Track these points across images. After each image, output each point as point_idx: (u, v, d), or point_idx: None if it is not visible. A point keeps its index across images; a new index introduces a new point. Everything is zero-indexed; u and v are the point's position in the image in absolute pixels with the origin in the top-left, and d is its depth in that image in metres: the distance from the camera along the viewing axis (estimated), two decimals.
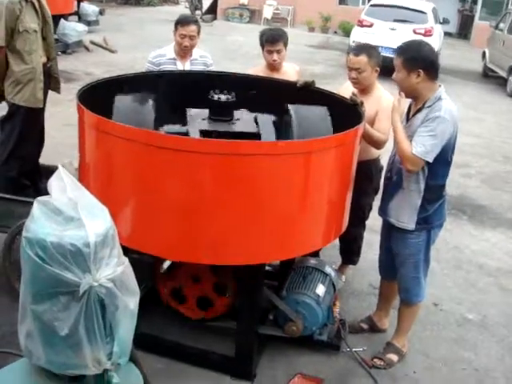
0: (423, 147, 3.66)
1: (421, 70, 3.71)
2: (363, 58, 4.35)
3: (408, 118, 3.90)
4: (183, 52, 5.22)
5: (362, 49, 4.46)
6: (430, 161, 3.69)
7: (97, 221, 1.93)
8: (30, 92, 4.81)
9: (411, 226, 3.93)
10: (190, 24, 5.12)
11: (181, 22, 5.14)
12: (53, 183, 1.99)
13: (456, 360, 4.40)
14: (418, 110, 3.82)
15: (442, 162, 3.81)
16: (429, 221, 3.94)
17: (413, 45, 3.85)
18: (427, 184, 3.84)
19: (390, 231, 4.15)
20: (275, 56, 4.89)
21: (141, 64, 12.57)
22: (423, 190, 3.85)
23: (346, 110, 4.06)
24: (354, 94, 4.10)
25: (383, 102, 4.38)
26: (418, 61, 3.73)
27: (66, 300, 1.89)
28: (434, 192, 3.89)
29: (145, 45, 15.59)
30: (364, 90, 4.47)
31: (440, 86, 3.82)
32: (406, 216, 3.93)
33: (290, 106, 3.93)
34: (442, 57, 17.19)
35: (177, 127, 3.81)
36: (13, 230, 4.31)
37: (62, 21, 13.67)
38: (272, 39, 4.87)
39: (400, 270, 4.13)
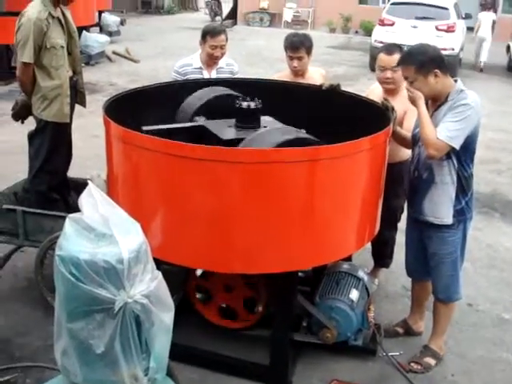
0: (448, 132, 3.62)
1: (437, 70, 3.68)
2: (398, 57, 4.32)
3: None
4: (213, 62, 5.19)
5: (395, 47, 4.43)
6: (457, 147, 3.65)
7: (129, 236, 1.92)
8: (58, 107, 4.83)
9: (449, 220, 3.89)
10: (220, 34, 5.07)
11: (210, 33, 5.07)
12: (83, 200, 1.99)
13: (494, 361, 4.32)
14: (441, 105, 3.79)
15: (468, 151, 3.78)
16: (463, 212, 3.91)
17: (417, 50, 3.81)
18: (458, 175, 3.82)
19: (422, 232, 4.09)
20: (295, 63, 4.86)
21: (163, 73, 12.74)
22: (456, 181, 3.83)
23: (375, 112, 4.01)
24: (385, 98, 4.06)
25: None
26: (431, 62, 3.69)
27: (101, 317, 1.88)
28: (466, 182, 3.86)
29: (166, 53, 15.72)
30: (394, 90, 4.43)
31: (456, 80, 3.79)
32: (443, 211, 3.89)
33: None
34: (465, 52, 17.08)
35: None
36: (44, 244, 4.34)
37: (84, 33, 13.83)
38: (293, 46, 4.83)
39: (437, 270, 4.07)
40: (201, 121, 4.01)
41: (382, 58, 4.41)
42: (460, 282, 4.10)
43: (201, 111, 4.11)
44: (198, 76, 5.17)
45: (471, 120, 3.66)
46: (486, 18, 17.74)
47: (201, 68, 5.22)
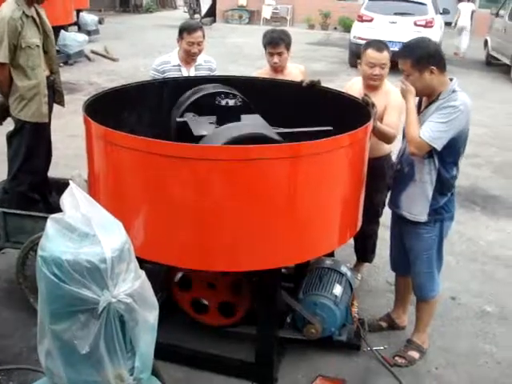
0: (431, 133, 3.63)
1: (434, 67, 3.67)
2: (387, 54, 4.36)
3: (419, 112, 3.85)
4: (191, 58, 5.19)
5: (382, 44, 4.45)
6: (438, 148, 3.66)
7: (112, 236, 1.91)
8: (36, 107, 4.80)
9: (423, 217, 3.91)
10: (196, 30, 5.09)
11: (187, 30, 5.09)
12: (65, 200, 1.98)
13: (478, 354, 4.36)
14: (431, 102, 3.78)
15: (452, 153, 3.78)
16: (440, 212, 3.91)
17: (416, 44, 3.78)
18: (439, 175, 3.82)
19: (401, 226, 4.13)
20: (276, 58, 4.87)
21: (142, 71, 12.70)
22: (435, 181, 3.83)
23: (354, 108, 4.02)
24: (366, 94, 4.05)
25: (391, 96, 4.37)
26: (428, 58, 3.67)
27: (85, 318, 1.88)
28: (446, 183, 3.86)
29: (145, 52, 15.66)
30: (377, 86, 4.44)
31: (452, 79, 3.78)
32: (418, 208, 3.91)
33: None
34: (444, 47, 17.17)
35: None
36: (25, 245, 4.30)
37: (63, 32, 13.72)
38: (272, 42, 4.84)
39: (413, 266, 4.10)
40: (188, 117, 4.01)
41: (372, 54, 4.38)
42: (436, 280, 4.11)
43: (190, 108, 4.11)
44: (177, 73, 5.16)
45: (457, 123, 3.65)
46: (465, 7, 18.50)
47: (179, 65, 5.21)
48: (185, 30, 5.09)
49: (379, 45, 4.43)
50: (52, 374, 2.01)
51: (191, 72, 5.23)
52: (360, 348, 4.22)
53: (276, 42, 4.82)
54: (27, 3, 4.73)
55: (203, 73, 5.26)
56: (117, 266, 1.88)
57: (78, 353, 1.91)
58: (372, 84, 4.44)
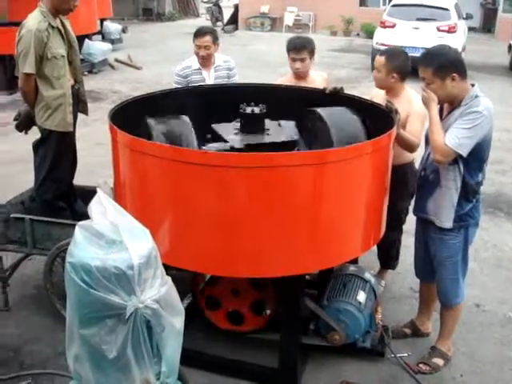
0: (457, 139, 3.63)
1: (455, 74, 3.67)
2: (381, 59, 4.42)
3: (441, 119, 3.84)
4: (202, 62, 5.49)
5: (387, 51, 4.53)
6: (464, 154, 3.66)
7: (139, 242, 1.95)
8: (61, 117, 4.86)
9: (449, 224, 3.90)
10: (203, 35, 5.40)
11: (195, 34, 5.46)
12: (93, 207, 2.02)
13: (502, 361, 4.33)
14: (454, 109, 3.78)
15: (477, 159, 3.77)
16: (465, 218, 3.90)
17: (437, 52, 3.79)
18: (464, 181, 3.81)
19: (426, 232, 4.12)
20: (298, 64, 4.92)
21: (166, 79, 12.76)
22: (460, 187, 3.82)
23: (378, 116, 4.03)
24: (389, 101, 4.06)
25: (414, 104, 4.36)
26: (450, 66, 3.68)
27: (113, 323, 1.91)
28: (471, 189, 3.85)
29: (169, 59, 15.73)
30: (389, 92, 4.47)
31: (474, 85, 3.78)
32: (444, 214, 3.90)
33: (320, 111, 3.94)
34: (467, 53, 17.08)
35: (217, 145, 3.82)
36: (52, 252, 4.36)
37: (87, 41, 13.88)
38: (295, 47, 4.90)
39: (438, 272, 4.09)
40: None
41: (376, 59, 4.54)
42: (461, 287, 4.10)
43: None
44: (199, 76, 5.48)
45: (481, 128, 3.65)
46: None
47: (199, 69, 5.51)
48: (194, 35, 5.45)
49: (385, 50, 4.58)
50: (80, 377, 2.05)
51: (211, 74, 5.52)
52: (384, 355, 4.21)
53: (299, 48, 4.87)
54: (53, 14, 4.80)
55: (223, 73, 5.56)
56: (144, 273, 1.91)
57: (106, 357, 1.95)
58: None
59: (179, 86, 5.39)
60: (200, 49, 5.41)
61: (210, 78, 5.51)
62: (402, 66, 4.42)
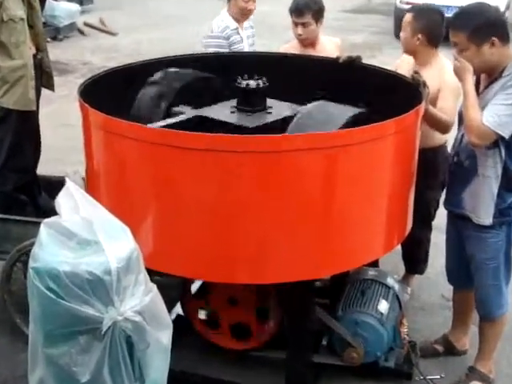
0: (496, 118, 3.58)
1: (495, 38, 3.64)
2: (408, 16, 4.46)
3: (478, 93, 3.83)
4: (246, 17, 5.69)
5: (417, 7, 4.59)
6: (506, 136, 3.62)
7: (118, 243, 1.94)
8: (21, 92, 4.83)
9: (488, 220, 3.88)
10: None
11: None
12: (61, 201, 2.01)
13: None
14: (493, 81, 3.76)
15: None
16: (507, 213, 3.89)
17: (473, 11, 3.78)
18: (505, 169, 3.79)
19: (460, 230, 4.11)
20: (300, 30, 4.91)
21: (146, 47, 12.71)
22: (500, 175, 3.80)
23: (403, 89, 4.03)
24: (416, 72, 4.03)
25: (446, 74, 4.34)
26: (488, 28, 3.65)
27: (86, 340, 1.91)
28: None
29: (148, 24, 15.68)
30: (418, 60, 4.47)
31: None
32: (481, 209, 3.88)
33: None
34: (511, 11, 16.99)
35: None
36: (12, 255, 4.34)
37: (50, 1, 13.80)
38: (296, 9, 4.89)
39: (476, 278, 4.08)
40: (188, 111, 4.03)
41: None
42: (504, 295, 4.09)
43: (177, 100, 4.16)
44: (238, 37, 5.68)
45: None
46: None
47: (237, 28, 5.65)
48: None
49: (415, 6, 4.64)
50: None
51: (245, 33, 5.73)
52: (411, 377, 4.20)
53: (300, 9, 4.87)
54: None
55: (251, 31, 5.94)
56: (124, 279, 1.91)
57: (78, 381, 1.94)
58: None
59: (220, 50, 5.44)
60: (249, 1, 5.59)
61: (244, 38, 5.71)
62: (431, 26, 4.42)
